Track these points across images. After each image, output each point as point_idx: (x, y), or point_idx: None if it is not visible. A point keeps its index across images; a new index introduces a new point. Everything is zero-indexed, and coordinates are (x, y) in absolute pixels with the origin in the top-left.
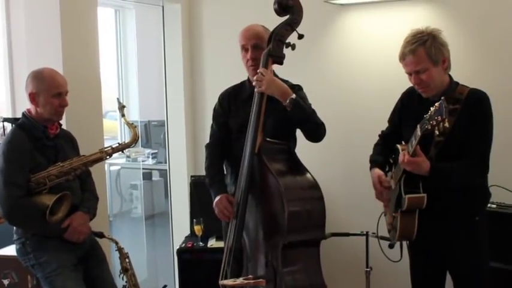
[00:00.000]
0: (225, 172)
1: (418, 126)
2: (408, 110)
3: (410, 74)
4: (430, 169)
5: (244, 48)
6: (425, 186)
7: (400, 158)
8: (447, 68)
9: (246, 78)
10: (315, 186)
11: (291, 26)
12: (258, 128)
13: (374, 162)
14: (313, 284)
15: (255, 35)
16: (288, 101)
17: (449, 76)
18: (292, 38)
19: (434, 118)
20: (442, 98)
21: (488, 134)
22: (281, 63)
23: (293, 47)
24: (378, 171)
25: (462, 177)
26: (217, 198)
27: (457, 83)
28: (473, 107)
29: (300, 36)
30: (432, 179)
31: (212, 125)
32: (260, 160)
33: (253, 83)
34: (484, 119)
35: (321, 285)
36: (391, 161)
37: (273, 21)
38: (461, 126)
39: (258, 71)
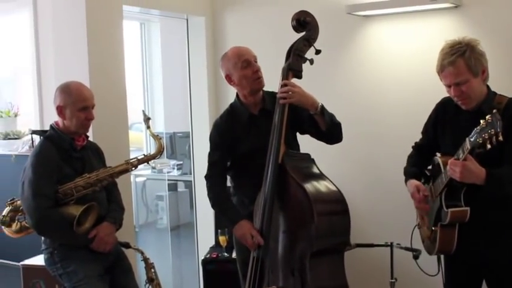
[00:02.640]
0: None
1: (467, 139)
2: (444, 121)
3: (449, 86)
4: (487, 175)
5: (247, 63)
6: (465, 199)
7: (449, 162)
8: (486, 79)
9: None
10: (338, 193)
11: (308, 41)
12: (280, 139)
13: (409, 174)
14: (338, 286)
15: (250, 49)
16: (318, 109)
17: (487, 86)
18: (309, 54)
19: (487, 131)
20: (494, 111)
21: None
22: (300, 77)
23: (311, 61)
24: (414, 181)
25: (511, 183)
26: (237, 225)
27: (494, 93)
28: (511, 115)
29: (318, 52)
30: (488, 185)
31: (211, 155)
32: (284, 170)
33: (280, 95)
34: None
35: (345, 286)
36: (427, 173)
37: (293, 32)
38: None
39: (282, 83)
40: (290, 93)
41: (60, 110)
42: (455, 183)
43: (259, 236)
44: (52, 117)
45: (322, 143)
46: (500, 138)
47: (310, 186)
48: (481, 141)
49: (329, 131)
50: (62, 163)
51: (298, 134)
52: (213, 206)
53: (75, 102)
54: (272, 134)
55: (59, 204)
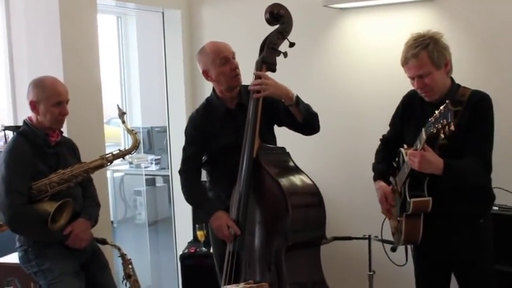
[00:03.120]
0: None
1: (423, 129)
2: (410, 113)
3: (412, 78)
4: (445, 165)
5: (225, 60)
6: (430, 189)
7: (408, 154)
8: (449, 71)
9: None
10: (313, 187)
11: (282, 34)
12: (255, 133)
13: (377, 172)
14: (314, 281)
15: (228, 45)
16: (293, 100)
17: (451, 79)
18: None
19: (440, 121)
20: (447, 101)
21: (489, 132)
22: (274, 70)
23: (285, 54)
24: (383, 186)
25: (472, 174)
26: (214, 217)
27: (458, 85)
28: (475, 107)
29: (291, 45)
30: (446, 176)
31: (186, 149)
32: (259, 165)
33: (253, 88)
34: (485, 118)
35: (322, 281)
36: (394, 164)
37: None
38: (464, 127)
39: (256, 74)
40: (263, 85)
41: (33, 105)
42: (418, 173)
43: (235, 226)
44: (26, 113)
45: (299, 136)
46: (452, 128)
47: (284, 179)
48: (434, 131)
49: (306, 121)
50: (35, 159)
51: (276, 126)
52: (187, 199)
53: (49, 97)
54: (246, 128)
55: (33, 201)
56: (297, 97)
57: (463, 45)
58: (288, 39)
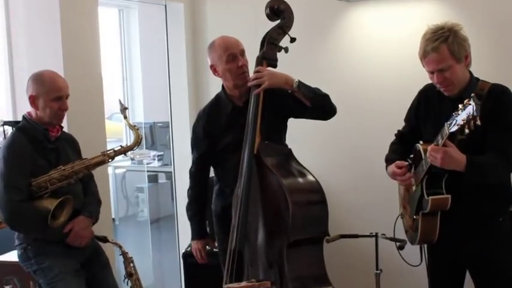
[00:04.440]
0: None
1: (446, 124)
2: (427, 108)
3: (432, 73)
4: (467, 162)
5: (232, 56)
6: (447, 187)
7: (428, 149)
8: (469, 64)
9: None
10: (315, 183)
11: (282, 29)
12: (255, 130)
13: (390, 160)
14: (316, 277)
15: (238, 42)
16: (294, 85)
17: (470, 72)
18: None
19: (465, 116)
20: (472, 95)
21: (510, 126)
22: (275, 66)
23: (286, 50)
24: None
25: (494, 171)
26: (194, 244)
27: (477, 79)
28: (495, 100)
29: (292, 40)
30: (468, 172)
31: (193, 149)
32: (260, 161)
33: (251, 84)
34: (507, 111)
35: (324, 278)
36: (409, 161)
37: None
38: (484, 121)
39: (254, 70)
40: (259, 79)
41: (32, 100)
42: (437, 170)
43: (203, 257)
44: (25, 108)
45: (306, 133)
46: (478, 122)
47: (286, 176)
48: (459, 126)
49: (316, 104)
50: (35, 155)
51: (291, 120)
52: (188, 207)
53: (49, 92)
54: (247, 124)
55: (33, 198)
56: (299, 82)
57: (473, 38)
58: (289, 35)
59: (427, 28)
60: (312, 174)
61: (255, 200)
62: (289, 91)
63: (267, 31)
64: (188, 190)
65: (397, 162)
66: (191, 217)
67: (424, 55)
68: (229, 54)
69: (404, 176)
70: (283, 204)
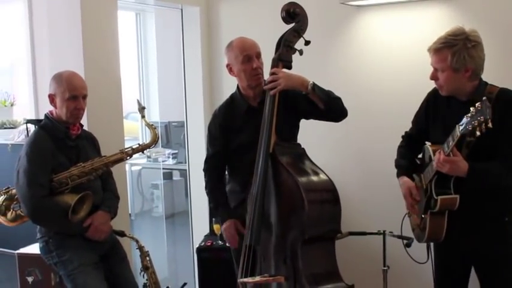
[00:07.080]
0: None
1: (457, 126)
2: (435, 110)
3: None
4: (468, 169)
5: (248, 58)
6: (455, 187)
7: (436, 158)
8: (470, 77)
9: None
10: (329, 182)
11: (298, 32)
12: (271, 129)
13: (400, 168)
14: (329, 273)
15: (255, 44)
16: (309, 87)
17: (479, 78)
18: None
19: (477, 118)
20: (484, 98)
21: None
22: (290, 67)
23: (301, 52)
24: (407, 182)
25: (498, 179)
26: (225, 225)
27: (486, 83)
28: (504, 106)
29: (307, 43)
30: (469, 179)
31: (208, 147)
32: (275, 160)
33: (267, 87)
34: None
35: (336, 273)
36: (418, 161)
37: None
38: (494, 126)
39: (270, 71)
40: (275, 81)
41: (51, 99)
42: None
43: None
44: (47, 107)
45: (318, 134)
46: (490, 125)
47: (301, 175)
48: (470, 128)
49: (329, 107)
50: (56, 152)
51: (304, 121)
52: (208, 200)
53: (64, 91)
54: (263, 124)
55: (54, 193)
56: (313, 84)
57: (483, 43)
58: (303, 37)
59: (453, 28)
60: (325, 173)
61: (269, 197)
62: (304, 93)
63: (281, 34)
64: (205, 187)
65: (413, 189)
66: (215, 206)
67: (429, 49)
68: (246, 55)
69: (411, 206)
70: (298, 202)
